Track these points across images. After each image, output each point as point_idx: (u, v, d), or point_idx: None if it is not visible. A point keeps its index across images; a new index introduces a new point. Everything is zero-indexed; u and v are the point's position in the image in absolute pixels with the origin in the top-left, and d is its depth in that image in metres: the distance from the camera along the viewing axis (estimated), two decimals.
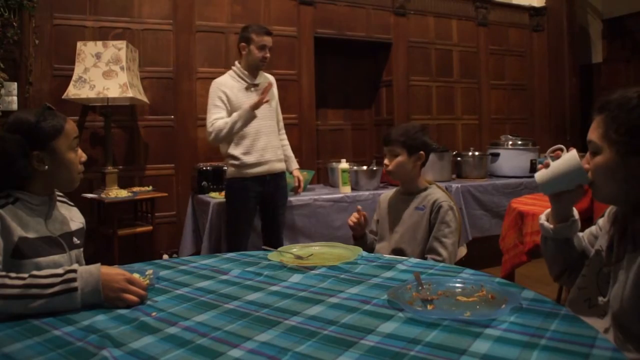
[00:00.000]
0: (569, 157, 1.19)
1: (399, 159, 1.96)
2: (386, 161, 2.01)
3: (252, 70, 2.86)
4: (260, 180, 2.83)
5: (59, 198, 1.51)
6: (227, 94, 2.78)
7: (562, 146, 1.26)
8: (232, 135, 2.72)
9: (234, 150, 2.80)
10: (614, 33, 5.56)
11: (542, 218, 1.32)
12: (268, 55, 2.84)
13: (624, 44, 5.46)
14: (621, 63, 5.50)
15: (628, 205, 1.12)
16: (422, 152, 1.98)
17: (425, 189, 2.01)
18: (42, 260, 1.30)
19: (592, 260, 1.22)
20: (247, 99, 2.77)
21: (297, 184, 3.10)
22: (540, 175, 1.23)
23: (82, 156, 1.47)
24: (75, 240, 1.49)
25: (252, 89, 2.85)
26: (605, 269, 1.16)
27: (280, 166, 2.94)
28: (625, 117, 1.06)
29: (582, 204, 2.00)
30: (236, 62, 2.89)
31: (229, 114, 2.76)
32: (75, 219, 1.54)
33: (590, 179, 1.16)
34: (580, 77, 5.20)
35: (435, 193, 1.98)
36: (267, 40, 2.83)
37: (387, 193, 2.16)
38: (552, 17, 5.15)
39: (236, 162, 2.80)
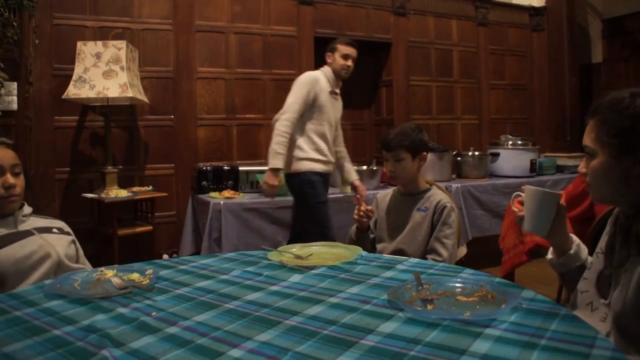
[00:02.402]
0: (528, 194, 1.22)
1: (404, 163, 1.94)
2: (389, 167, 1.98)
3: (337, 77, 2.99)
4: (325, 177, 2.96)
5: (41, 217, 1.73)
6: (318, 94, 2.86)
7: (517, 192, 1.28)
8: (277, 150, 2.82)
9: (311, 145, 2.89)
10: (614, 33, 5.55)
11: (549, 256, 1.32)
12: (350, 64, 2.97)
13: (624, 44, 5.46)
14: (621, 63, 5.49)
15: (627, 206, 1.12)
16: (424, 153, 1.97)
17: (427, 190, 2.00)
18: (7, 249, 1.51)
19: (593, 262, 1.22)
20: (329, 103, 2.92)
21: (363, 194, 3.04)
22: (526, 226, 1.23)
23: (6, 181, 1.58)
24: (54, 230, 1.67)
25: (334, 95, 2.99)
26: (607, 271, 1.15)
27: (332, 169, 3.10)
28: (614, 119, 1.06)
29: (583, 204, 2.00)
30: (325, 66, 3.02)
31: (304, 113, 2.84)
32: (56, 224, 1.73)
33: (559, 193, 1.19)
34: (580, 77, 5.20)
35: (438, 194, 1.97)
36: (351, 50, 2.97)
37: (385, 193, 2.14)
38: (552, 17, 5.15)
39: (316, 157, 2.90)
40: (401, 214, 1.98)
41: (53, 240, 1.63)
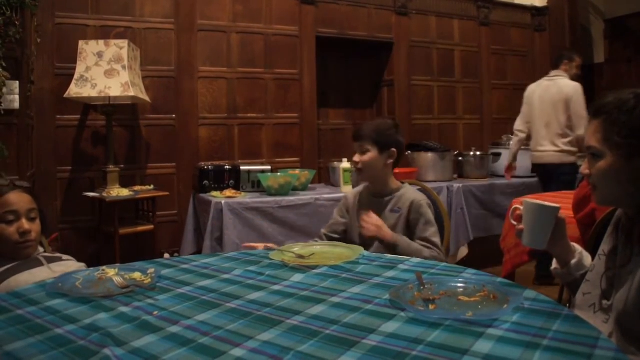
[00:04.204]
0: (526, 208, 1.21)
1: (370, 155, 1.86)
2: (356, 158, 1.90)
3: None
4: None
5: (51, 254, 1.72)
6: None
7: (516, 206, 1.27)
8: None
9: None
10: (616, 33, 5.55)
11: (553, 265, 1.32)
12: (580, 74, 3.84)
13: (626, 44, 5.45)
14: (623, 63, 5.49)
15: (632, 208, 1.12)
16: (393, 149, 1.88)
17: (398, 189, 1.92)
18: (18, 276, 1.49)
19: (595, 265, 1.22)
20: None
21: None
22: (525, 240, 1.22)
23: (21, 227, 1.57)
24: (64, 258, 1.67)
25: None
26: (609, 273, 1.15)
27: None
28: (626, 119, 1.05)
29: (589, 206, 2.00)
30: (561, 72, 3.75)
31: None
32: (65, 257, 1.72)
33: (557, 206, 1.18)
34: (582, 77, 5.18)
35: (410, 192, 1.90)
36: (581, 62, 3.86)
37: (355, 192, 2.04)
38: (554, 17, 5.15)
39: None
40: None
41: (63, 267, 1.62)
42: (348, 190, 3.45)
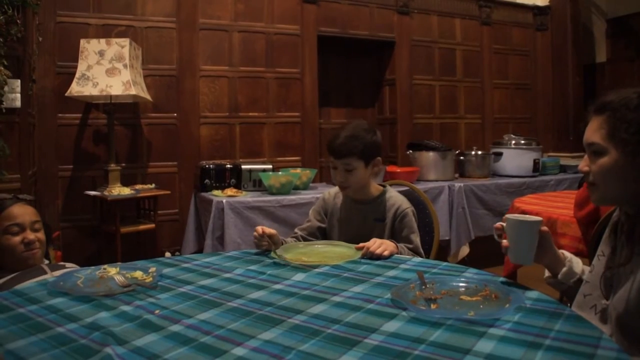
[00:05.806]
0: (508, 224, 1.21)
1: (357, 172, 1.70)
2: (339, 177, 1.73)
3: None
4: None
5: (56, 263, 1.75)
6: None
7: (498, 224, 1.27)
8: None
9: None
10: (618, 32, 5.53)
11: (546, 274, 1.31)
12: None
13: (628, 44, 5.44)
14: (625, 63, 5.47)
15: (633, 206, 1.11)
16: (378, 157, 1.76)
17: (380, 194, 1.81)
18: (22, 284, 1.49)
19: (595, 265, 1.21)
20: None
21: None
22: (511, 257, 1.22)
23: (26, 238, 1.60)
24: (67, 265, 1.67)
25: None
26: (609, 273, 1.14)
27: None
28: (634, 116, 1.03)
29: (588, 207, 1.99)
30: None
31: None
32: (69, 265, 1.74)
33: (539, 220, 1.18)
34: (584, 76, 5.18)
35: (393, 198, 1.80)
36: None
37: (334, 194, 1.90)
38: (556, 16, 5.14)
39: None
40: (358, 224, 1.80)
41: None
42: None
